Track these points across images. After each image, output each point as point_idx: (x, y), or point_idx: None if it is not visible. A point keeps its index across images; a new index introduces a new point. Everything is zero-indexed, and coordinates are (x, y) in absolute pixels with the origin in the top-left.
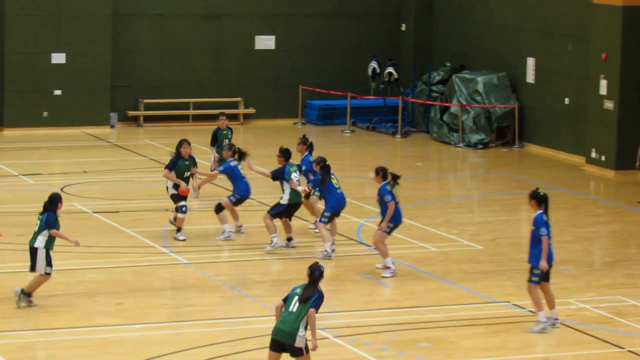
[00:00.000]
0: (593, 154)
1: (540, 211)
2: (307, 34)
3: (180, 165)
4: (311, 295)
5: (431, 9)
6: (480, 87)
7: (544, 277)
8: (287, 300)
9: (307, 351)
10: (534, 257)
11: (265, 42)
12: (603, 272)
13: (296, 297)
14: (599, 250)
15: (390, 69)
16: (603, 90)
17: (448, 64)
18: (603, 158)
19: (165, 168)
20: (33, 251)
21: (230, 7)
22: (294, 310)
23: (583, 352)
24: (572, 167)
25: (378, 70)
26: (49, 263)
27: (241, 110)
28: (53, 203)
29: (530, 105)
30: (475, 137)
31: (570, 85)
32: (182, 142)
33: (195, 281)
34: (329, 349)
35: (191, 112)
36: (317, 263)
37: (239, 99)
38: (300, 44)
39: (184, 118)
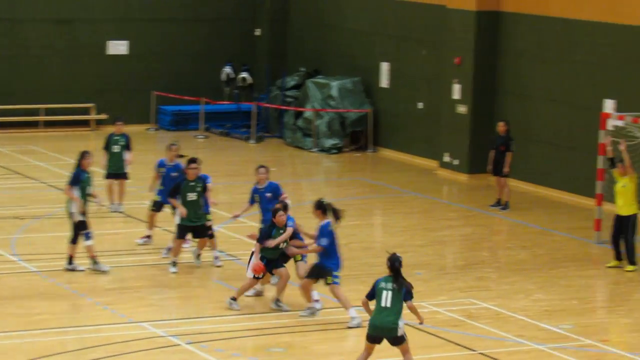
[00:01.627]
0: (446, 158)
1: (327, 220)
2: (160, 39)
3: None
4: (403, 283)
5: (285, 14)
6: (334, 92)
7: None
8: (374, 296)
9: (406, 338)
10: (334, 262)
11: (118, 47)
12: (455, 275)
13: (385, 292)
14: (451, 253)
15: (244, 74)
16: (456, 95)
17: (302, 69)
18: (456, 162)
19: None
20: None
21: (83, 12)
22: (388, 305)
23: (435, 355)
24: (425, 171)
25: (232, 75)
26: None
27: (93, 116)
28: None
29: (384, 109)
30: (329, 142)
31: (424, 90)
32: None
33: (44, 289)
34: (181, 355)
35: (42, 118)
36: (395, 254)
37: (91, 104)
38: (154, 49)
39: (34, 124)
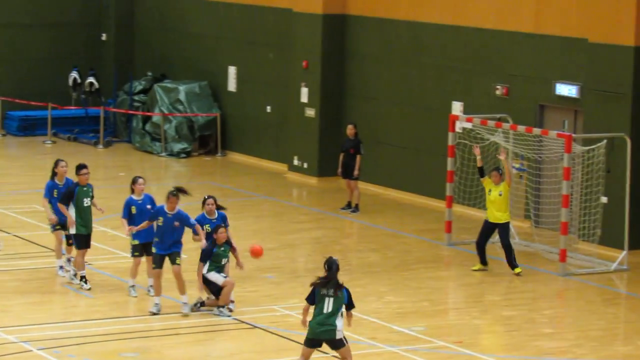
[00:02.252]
0: (295, 161)
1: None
2: (4, 43)
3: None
4: (340, 285)
5: (131, 18)
6: (182, 96)
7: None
8: (314, 301)
9: (347, 341)
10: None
11: None
12: (307, 278)
13: (327, 299)
14: (302, 256)
15: (91, 79)
16: (304, 98)
17: (150, 74)
18: (305, 165)
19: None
20: None
21: None
22: (330, 310)
23: (288, 358)
24: (275, 175)
25: (79, 80)
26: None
27: None
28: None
29: (233, 113)
30: (177, 146)
31: (272, 94)
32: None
33: None
34: None
35: None
36: (331, 257)
37: None
38: None
39: None
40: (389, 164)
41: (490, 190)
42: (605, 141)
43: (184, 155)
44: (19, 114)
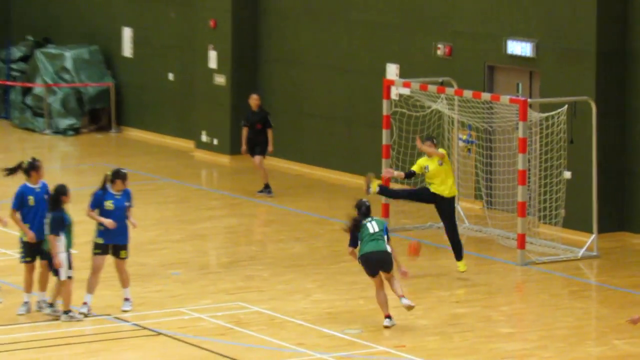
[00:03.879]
0: (204, 138)
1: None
2: None
3: None
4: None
5: None
6: (68, 64)
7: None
8: (357, 242)
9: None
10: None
11: None
12: (219, 274)
13: (369, 223)
14: (214, 249)
15: None
16: (212, 64)
17: (30, 38)
18: (215, 142)
19: None
20: None
21: None
22: (376, 229)
23: None
24: (180, 154)
25: None
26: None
27: None
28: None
29: (129, 83)
30: (64, 122)
31: (175, 59)
32: None
33: None
34: None
35: None
36: (362, 199)
37: None
38: None
39: None
40: (314, 138)
41: (427, 167)
42: (566, 107)
43: (71, 132)
44: None
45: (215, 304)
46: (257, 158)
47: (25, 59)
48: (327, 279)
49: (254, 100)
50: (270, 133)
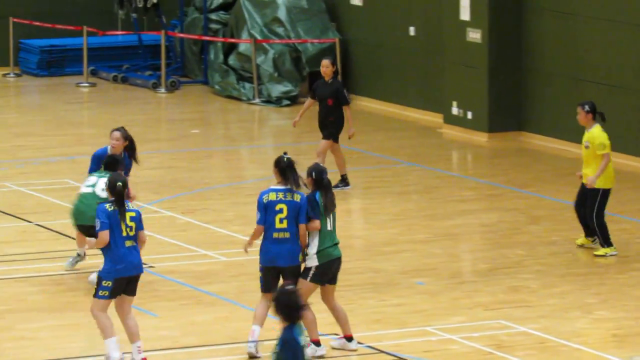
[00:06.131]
0: (454, 110)
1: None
2: None
3: None
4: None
5: None
6: (282, 14)
7: None
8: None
9: None
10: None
11: None
12: (476, 285)
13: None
14: (468, 252)
15: None
16: (465, 15)
17: None
18: (469, 115)
19: None
20: None
21: None
22: (331, 228)
23: None
24: (424, 130)
25: None
26: None
27: None
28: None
29: (358, 39)
30: (277, 89)
31: (417, 8)
32: None
33: None
34: None
35: None
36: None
37: None
38: None
39: None
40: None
41: None
42: None
43: (287, 102)
44: (40, 43)
45: (470, 322)
46: (323, 143)
47: (226, 7)
48: (612, 292)
49: (324, 68)
50: (347, 111)
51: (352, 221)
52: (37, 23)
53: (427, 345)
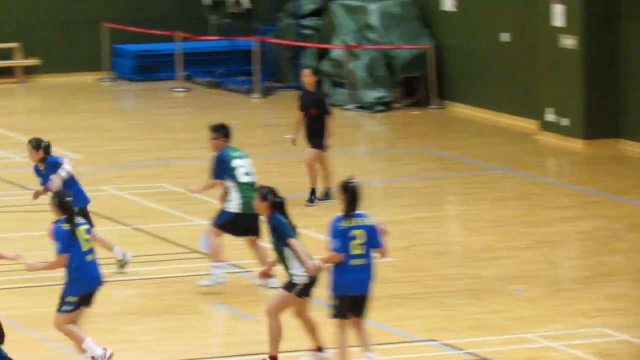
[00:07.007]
0: (550, 117)
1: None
2: None
3: None
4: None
5: None
6: (374, 20)
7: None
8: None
9: None
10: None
11: None
12: (575, 292)
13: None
14: (567, 259)
15: None
16: (558, 21)
17: None
18: (565, 122)
19: None
20: None
21: None
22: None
23: None
24: (520, 137)
25: None
26: None
27: (19, 61)
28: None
29: (452, 45)
30: (370, 95)
31: (510, 14)
32: None
33: None
34: None
35: None
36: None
37: (15, 44)
38: None
39: None
40: None
41: None
42: None
43: (380, 107)
44: (135, 48)
45: (570, 330)
46: (310, 152)
47: (319, 12)
48: None
49: (306, 77)
50: (329, 121)
51: (449, 227)
52: (131, 28)
53: (528, 353)
